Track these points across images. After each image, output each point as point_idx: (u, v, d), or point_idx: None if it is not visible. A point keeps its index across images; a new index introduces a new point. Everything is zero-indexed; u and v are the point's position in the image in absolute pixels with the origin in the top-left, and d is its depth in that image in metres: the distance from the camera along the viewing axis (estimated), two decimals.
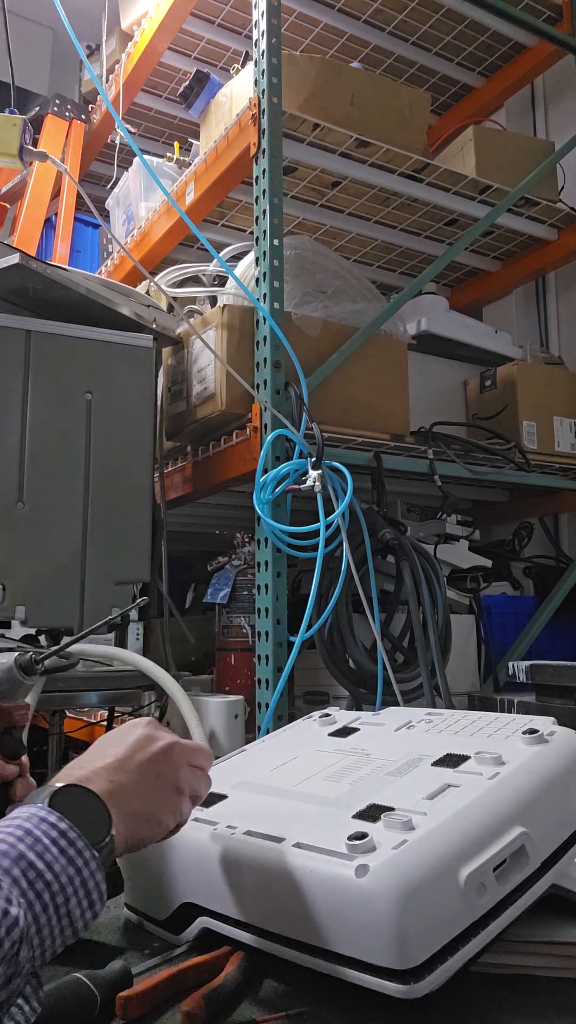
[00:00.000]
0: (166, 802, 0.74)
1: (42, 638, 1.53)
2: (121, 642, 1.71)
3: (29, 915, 0.57)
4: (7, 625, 1.51)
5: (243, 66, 2.02)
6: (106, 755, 0.73)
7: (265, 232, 1.72)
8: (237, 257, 2.01)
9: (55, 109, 2.57)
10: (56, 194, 2.56)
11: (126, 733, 0.76)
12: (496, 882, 0.71)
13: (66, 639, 0.93)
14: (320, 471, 1.56)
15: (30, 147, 1.88)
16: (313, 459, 1.58)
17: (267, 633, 1.59)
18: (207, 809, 0.88)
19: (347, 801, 0.83)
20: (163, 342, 1.84)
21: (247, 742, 1.28)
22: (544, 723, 0.94)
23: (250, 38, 1.90)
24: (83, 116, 2.65)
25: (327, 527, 1.53)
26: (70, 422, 1.55)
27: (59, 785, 0.66)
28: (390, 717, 1.11)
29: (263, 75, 1.78)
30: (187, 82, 2.17)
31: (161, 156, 2.40)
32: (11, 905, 0.56)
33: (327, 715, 1.17)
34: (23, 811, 0.63)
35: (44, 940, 0.58)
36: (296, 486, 1.59)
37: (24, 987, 0.59)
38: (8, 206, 2.57)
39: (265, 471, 1.62)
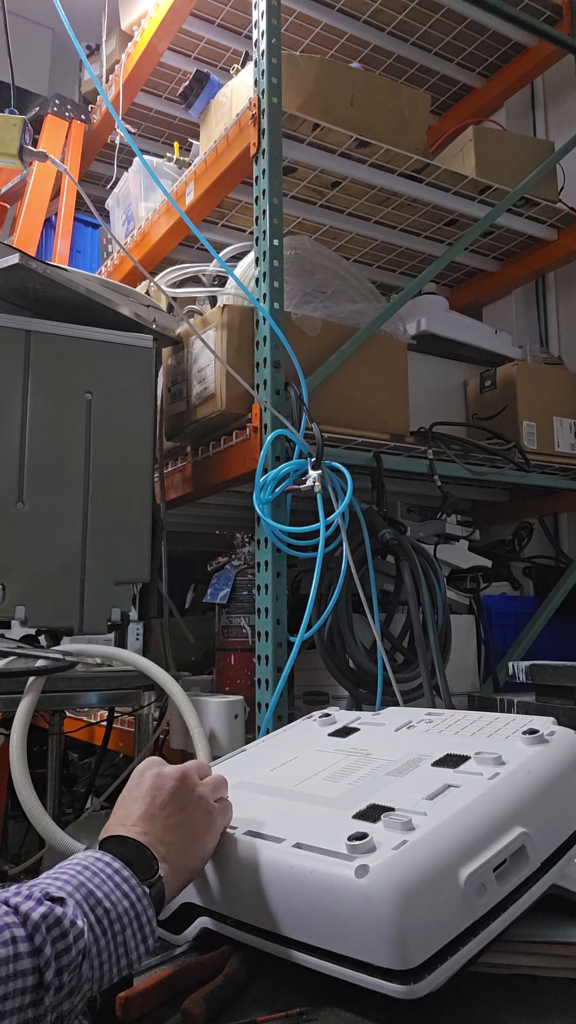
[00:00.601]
0: (201, 825, 0.78)
1: (42, 638, 1.53)
2: (121, 642, 1.71)
3: (91, 936, 0.60)
4: (7, 625, 1.51)
5: (243, 66, 2.02)
6: (131, 813, 0.76)
7: (265, 232, 1.72)
8: (237, 257, 2.01)
9: (55, 109, 2.57)
10: (56, 194, 2.56)
11: (136, 785, 0.80)
12: (496, 882, 0.71)
13: None
14: (320, 471, 1.56)
15: (30, 147, 1.88)
16: (313, 459, 1.58)
17: (267, 633, 1.59)
18: None
19: (347, 801, 0.83)
20: (163, 342, 1.84)
21: (247, 742, 1.28)
22: (544, 723, 0.94)
23: (250, 38, 1.90)
24: (83, 116, 2.64)
25: (327, 527, 1.53)
26: (70, 422, 1.54)
27: (105, 836, 0.72)
28: (390, 717, 1.11)
29: (263, 75, 1.78)
30: (187, 82, 2.17)
31: (161, 156, 2.39)
32: (77, 919, 0.59)
33: (327, 715, 1.17)
34: (78, 856, 0.68)
35: (103, 964, 0.61)
36: (296, 486, 1.59)
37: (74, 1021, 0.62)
38: (8, 206, 2.57)
39: (265, 471, 1.62)
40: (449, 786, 0.81)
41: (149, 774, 0.80)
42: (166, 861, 0.72)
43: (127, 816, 0.76)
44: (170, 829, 0.75)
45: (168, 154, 2.39)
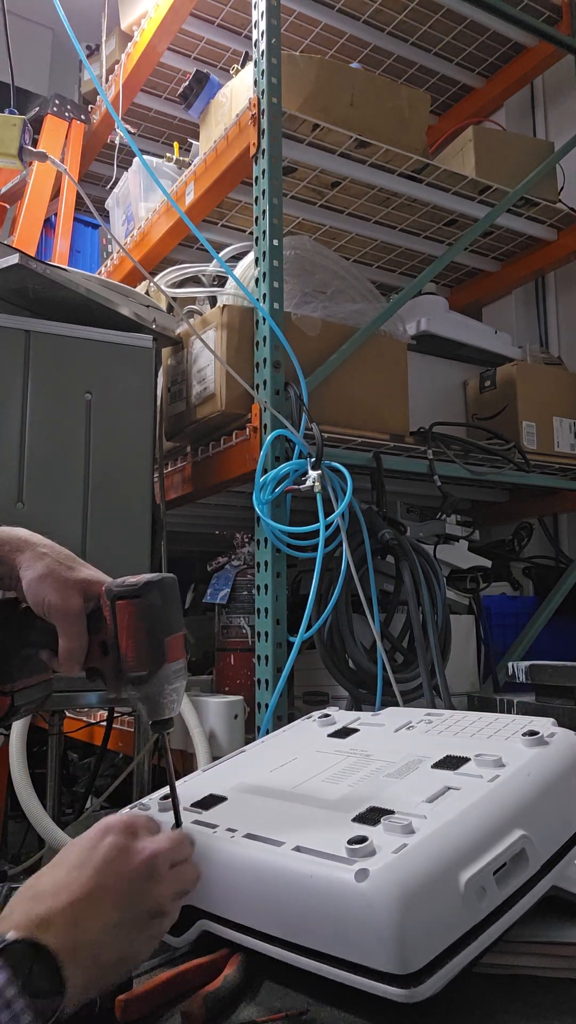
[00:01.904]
0: (143, 934, 0.67)
1: None
2: None
3: None
4: None
5: (243, 66, 2.01)
6: (73, 881, 0.64)
7: (265, 232, 1.72)
8: (237, 257, 2.01)
9: (55, 109, 2.57)
10: (56, 194, 2.56)
11: (89, 848, 0.68)
12: (496, 885, 0.71)
13: None
14: (320, 471, 1.56)
15: (30, 147, 1.88)
16: (313, 459, 1.58)
17: (267, 633, 1.59)
18: (207, 812, 0.88)
19: (347, 803, 0.82)
20: (163, 342, 1.84)
21: (247, 742, 1.28)
22: (544, 724, 0.93)
23: (250, 38, 1.90)
24: (83, 116, 2.64)
25: (327, 527, 1.53)
26: (70, 422, 1.54)
27: (11, 937, 0.58)
28: (390, 717, 1.11)
29: (263, 75, 1.77)
30: (187, 82, 2.17)
31: (161, 156, 2.39)
32: None
33: (327, 715, 1.17)
34: None
35: None
36: (296, 486, 1.59)
37: None
38: (8, 206, 2.57)
39: (265, 471, 1.62)
40: (449, 788, 0.81)
41: (111, 842, 0.68)
42: (84, 974, 0.60)
43: (65, 885, 0.64)
44: (108, 931, 0.63)
45: (168, 154, 2.39)
